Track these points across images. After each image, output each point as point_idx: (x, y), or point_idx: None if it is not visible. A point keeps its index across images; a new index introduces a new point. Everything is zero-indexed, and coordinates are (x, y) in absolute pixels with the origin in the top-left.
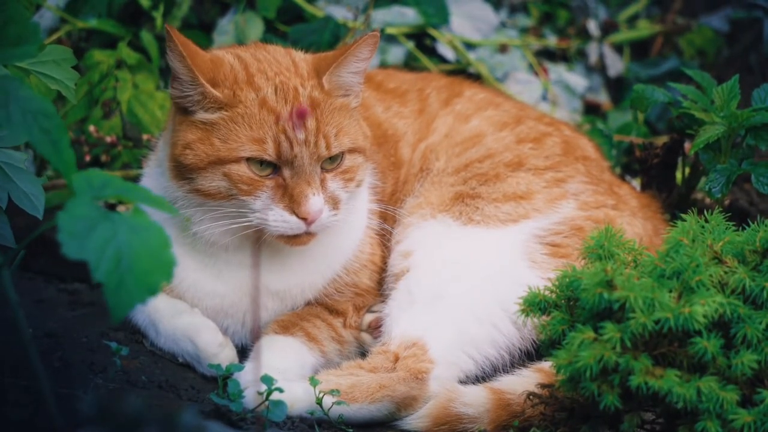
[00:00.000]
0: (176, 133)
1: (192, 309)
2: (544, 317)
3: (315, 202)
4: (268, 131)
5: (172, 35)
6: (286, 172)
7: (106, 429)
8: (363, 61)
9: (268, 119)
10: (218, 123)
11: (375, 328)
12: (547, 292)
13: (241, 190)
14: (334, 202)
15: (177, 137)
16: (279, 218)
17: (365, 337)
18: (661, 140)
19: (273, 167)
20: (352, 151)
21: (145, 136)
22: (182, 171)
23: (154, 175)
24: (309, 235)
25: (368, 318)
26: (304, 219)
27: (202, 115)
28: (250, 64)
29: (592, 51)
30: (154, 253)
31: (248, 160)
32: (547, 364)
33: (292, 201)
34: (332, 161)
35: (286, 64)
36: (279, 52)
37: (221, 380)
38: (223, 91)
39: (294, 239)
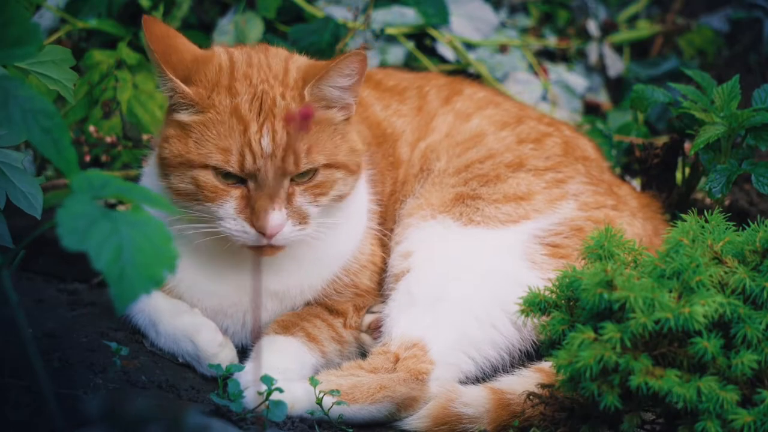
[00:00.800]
0: (162, 127)
1: (192, 309)
2: (543, 317)
3: (274, 217)
4: (234, 142)
5: (144, 27)
6: (251, 184)
7: (112, 429)
8: (347, 77)
9: (237, 128)
10: (192, 125)
11: (375, 329)
12: (547, 293)
13: (206, 196)
14: (301, 217)
15: (161, 131)
16: (240, 228)
17: (365, 338)
18: (661, 140)
19: (238, 177)
20: (328, 166)
21: (145, 136)
22: (161, 166)
23: (150, 173)
24: (273, 247)
25: (368, 319)
26: (263, 233)
27: (179, 115)
28: (239, 67)
29: (592, 51)
30: (156, 246)
31: (214, 168)
32: (547, 364)
33: (252, 213)
34: (303, 175)
35: (276, 71)
36: (277, 57)
37: (221, 380)
38: (197, 91)
39: (258, 250)
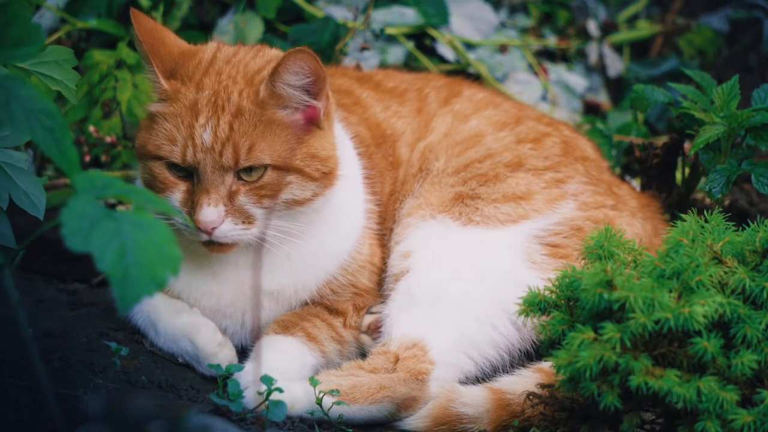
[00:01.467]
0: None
1: (191, 308)
2: (543, 317)
3: (208, 212)
4: (180, 134)
5: (133, 20)
6: (195, 178)
7: (112, 428)
8: (297, 74)
9: (187, 121)
10: (157, 116)
11: (374, 330)
12: (546, 293)
13: (158, 187)
14: (244, 216)
15: (140, 122)
16: (183, 222)
17: (365, 338)
18: (661, 140)
19: (185, 170)
20: (277, 168)
21: None
22: (136, 157)
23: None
24: (221, 245)
25: (367, 320)
26: (199, 227)
27: (153, 105)
28: (217, 63)
29: (592, 51)
30: (159, 247)
31: (164, 158)
32: (546, 365)
33: (192, 207)
34: (249, 173)
35: (250, 70)
36: (263, 58)
37: (221, 380)
38: (173, 84)
39: (208, 246)
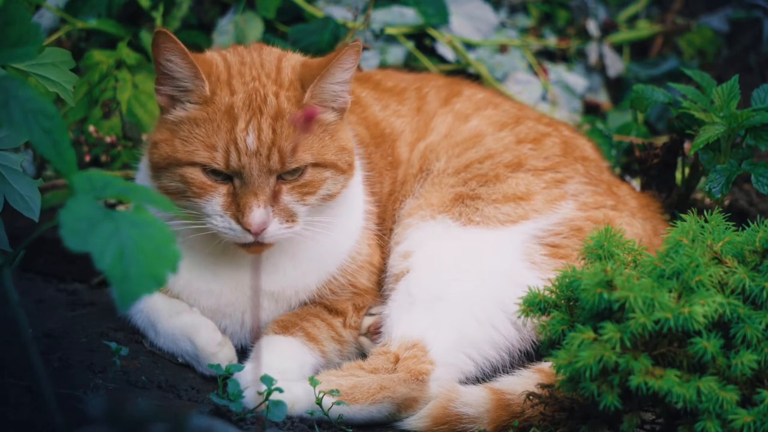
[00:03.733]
0: (153, 132)
1: (191, 308)
2: (543, 317)
3: (258, 214)
4: (221, 139)
5: (169, 36)
6: (237, 181)
7: (114, 430)
8: (347, 71)
9: (225, 126)
10: (183, 123)
11: (374, 333)
12: (546, 293)
13: (194, 193)
14: (288, 215)
15: (151, 135)
16: (227, 225)
17: (364, 341)
18: (661, 140)
19: (225, 174)
20: (316, 165)
21: (144, 136)
22: (152, 169)
23: (142, 171)
24: (261, 245)
25: (367, 322)
26: (248, 230)
27: (173, 113)
28: (233, 66)
29: (592, 51)
30: (158, 247)
31: (201, 165)
32: (546, 365)
33: (238, 210)
34: (290, 173)
35: (269, 69)
36: (270, 56)
37: (221, 380)
38: (210, 88)
39: (247, 247)
